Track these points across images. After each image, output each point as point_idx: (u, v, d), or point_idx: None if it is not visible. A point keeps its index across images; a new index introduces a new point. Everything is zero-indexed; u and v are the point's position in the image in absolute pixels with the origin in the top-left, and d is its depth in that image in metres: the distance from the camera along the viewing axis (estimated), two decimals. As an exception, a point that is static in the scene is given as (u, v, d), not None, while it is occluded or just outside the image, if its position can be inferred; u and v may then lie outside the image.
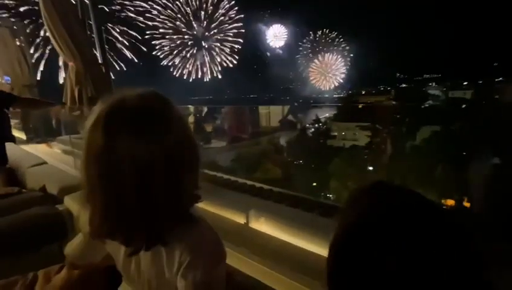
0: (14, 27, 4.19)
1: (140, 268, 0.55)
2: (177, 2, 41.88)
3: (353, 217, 0.38)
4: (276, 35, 48.91)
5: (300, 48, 49.52)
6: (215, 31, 44.68)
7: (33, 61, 4.36)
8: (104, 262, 0.68)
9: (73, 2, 2.99)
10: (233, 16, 43.85)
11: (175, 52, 43.33)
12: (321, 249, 1.24)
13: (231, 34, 44.74)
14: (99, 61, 3.22)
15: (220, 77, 46.23)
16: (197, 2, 43.00)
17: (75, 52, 2.84)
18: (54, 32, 2.77)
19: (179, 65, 44.12)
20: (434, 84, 45.87)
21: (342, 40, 48.38)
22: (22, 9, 28.91)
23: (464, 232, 0.33)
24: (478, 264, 0.32)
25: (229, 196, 2.14)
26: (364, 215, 0.37)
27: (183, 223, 0.50)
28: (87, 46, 2.96)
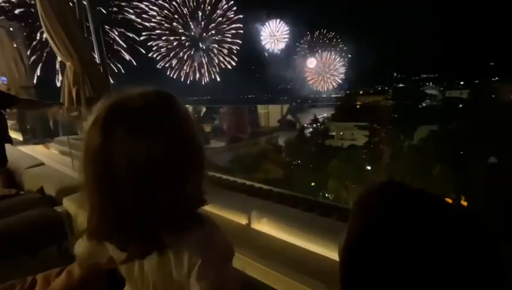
0: (11, 28, 4.15)
1: (144, 270, 0.53)
2: (174, 3, 41.74)
3: (365, 219, 0.37)
4: (273, 35, 48.58)
5: (298, 49, 49.60)
6: (213, 32, 44.58)
7: (30, 62, 4.31)
8: (109, 264, 0.65)
9: (70, 2, 2.96)
10: (231, 16, 43.75)
11: (172, 53, 43.19)
12: (322, 249, 1.24)
13: (229, 35, 44.60)
14: (97, 62, 3.20)
15: (218, 79, 46.16)
16: (194, 3, 42.86)
17: (72, 52, 2.82)
18: (51, 32, 2.74)
19: (176, 67, 43.96)
20: (431, 84, 46.13)
21: (339, 40, 48.53)
22: (17, 11, 28.71)
23: (483, 233, 0.32)
24: (498, 267, 0.31)
25: (229, 196, 2.13)
26: (378, 218, 0.36)
27: (190, 224, 0.49)
28: (84, 46, 2.94)
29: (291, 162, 20.84)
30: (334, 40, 48.83)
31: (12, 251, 1.05)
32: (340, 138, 24.00)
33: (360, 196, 0.41)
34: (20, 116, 4.20)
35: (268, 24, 48.06)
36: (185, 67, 44.50)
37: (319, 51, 48.33)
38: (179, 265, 0.49)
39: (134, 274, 0.55)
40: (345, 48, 48.17)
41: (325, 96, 49.67)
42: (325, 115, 29.65)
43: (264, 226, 1.45)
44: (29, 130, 4.26)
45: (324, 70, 48.61)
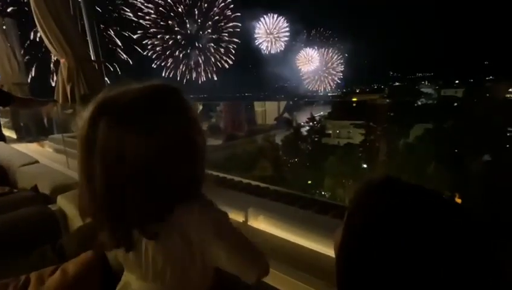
0: (4, 27, 4.08)
1: (141, 255, 0.55)
2: (169, 0, 41.30)
3: (363, 216, 0.36)
4: (270, 32, 48.12)
5: (295, 47, 49.49)
6: (209, 30, 44.22)
7: (25, 60, 4.26)
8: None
9: (65, -2, 2.92)
10: (228, 14, 43.43)
11: (167, 52, 42.78)
12: (319, 246, 1.24)
13: (226, 34, 44.27)
14: (92, 58, 3.16)
15: (215, 78, 45.88)
16: (190, 1, 42.47)
17: (66, 49, 2.78)
18: (45, 28, 2.70)
19: (171, 66, 43.58)
20: (427, 82, 46.47)
21: (336, 38, 48.59)
22: (9, 9, 28.14)
23: (481, 230, 0.32)
24: (496, 265, 0.30)
25: (226, 194, 2.13)
26: (376, 214, 0.35)
27: (188, 204, 0.52)
28: (79, 43, 2.90)
29: (288, 160, 20.89)
30: (331, 39, 48.91)
31: (5, 249, 1.03)
32: (337, 136, 24.10)
33: (357, 192, 0.40)
34: (13, 114, 4.14)
35: (264, 20, 47.20)
36: (180, 67, 44.21)
37: (316, 49, 48.31)
38: (188, 245, 0.53)
39: (131, 259, 0.57)
40: (341, 47, 48.28)
41: (321, 94, 49.80)
42: (321, 113, 29.73)
43: (261, 224, 1.45)
44: (23, 128, 4.20)
45: (321, 68, 48.65)
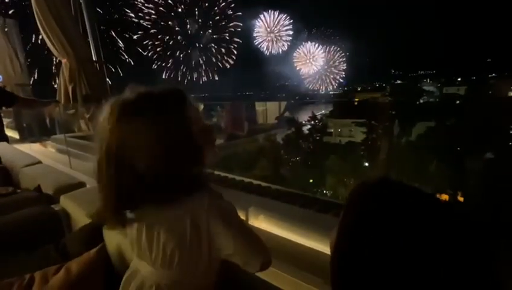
0: (5, 29, 4.10)
1: (153, 237, 0.59)
2: (169, 0, 41.17)
3: (357, 216, 0.37)
4: (270, 31, 47.66)
5: (295, 46, 49.26)
6: (210, 31, 44.05)
7: (28, 62, 4.27)
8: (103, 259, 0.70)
9: (66, -2, 2.93)
10: (229, 13, 43.25)
11: (168, 53, 42.68)
12: (319, 245, 1.25)
13: (227, 34, 44.05)
14: (94, 58, 3.18)
15: (216, 78, 45.76)
16: (191, 0, 42.30)
17: (68, 49, 2.80)
18: (46, 29, 2.72)
19: (172, 67, 43.46)
20: (428, 80, 46.23)
21: (337, 37, 48.37)
22: (11, 12, 28.13)
23: (475, 230, 0.32)
24: (490, 263, 0.31)
25: (227, 193, 2.12)
26: (370, 214, 0.35)
27: (197, 193, 0.57)
28: (80, 43, 2.92)
29: (289, 159, 20.87)
30: (332, 37, 48.69)
31: (9, 249, 1.05)
32: (338, 135, 24.04)
33: (351, 193, 0.40)
34: (16, 114, 4.17)
35: (264, 18, 46.25)
36: (181, 67, 44.12)
37: (317, 48, 48.03)
38: (197, 232, 0.56)
39: (142, 244, 0.61)
40: (342, 46, 48.05)
41: (322, 93, 49.67)
42: (323, 111, 29.65)
43: (262, 223, 1.46)
44: (25, 128, 4.23)
45: (323, 68, 48.40)
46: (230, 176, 3.86)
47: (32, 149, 3.26)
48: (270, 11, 45.92)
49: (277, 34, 47.87)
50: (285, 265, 1.13)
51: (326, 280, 0.97)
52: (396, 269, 0.31)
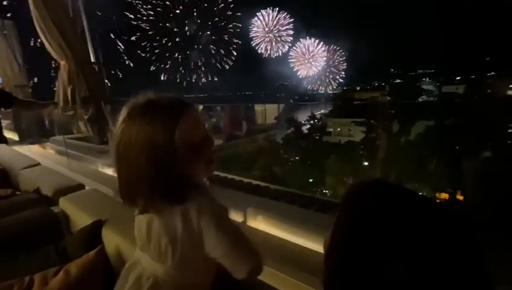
0: (4, 31, 4.10)
1: (151, 231, 0.63)
2: (168, 2, 40.96)
3: (356, 215, 0.37)
4: (269, 30, 47.29)
5: (295, 46, 49.15)
6: (209, 32, 43.87)
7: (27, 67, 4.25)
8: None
9: (64, 0, 2.93)
10: (229, 14, 43.07)
11: (167, 54, 42.48)
12: (318, 246, 1.25)
13: (226, 35, 43.81)
14: (92, 60, 3.18)
15: (216, 79, 45.60)
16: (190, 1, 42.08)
17: (66, 51, 2.81)
18: (45, 31, 2.73)
19: (171, 68, 43.24)
20: (427, 79, 46.26)
21: (336, 37, 48.33)
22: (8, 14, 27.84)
23: (466, 231, 0.33)
24: (480, 262, 0.32)
25: (226, 194, 2.14)
26: (369, 213, 0.36)
27: (191, 191, 0.59)
28: (79, 45, 2.92)
29: (288, 159, 20.86)
30: (331, 37, 48.63)
31: (9, 251, 1.05)
32: (338, 134, 24.04)
33: (349, 192, 0.41)
34: (15, 116, 4.17)
35: (262, 17, 45.12)
36: (180, 68, 43.94)
37: (316, 49, 47.92)
38: (189, 229, 0.58)
39: (151, 237, 0.64)
40: (342, 45, 47.99)
41: (322, 92, 49.67)
42: (322, 111, 29.64)
43: (260, 223, 1.46)
44: (24, 130, 4.23)
45: (323, 68, 48.28)
46: (229, 176, 3.87)
47: (31, 151, 3.26)
48: (268, 9, 45.51)
49: (276, 34, 47.65)
50: (284, 266, 1.13)
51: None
52: (394, 267, 0.32)
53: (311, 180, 17.96)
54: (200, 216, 0.58)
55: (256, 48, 47.65)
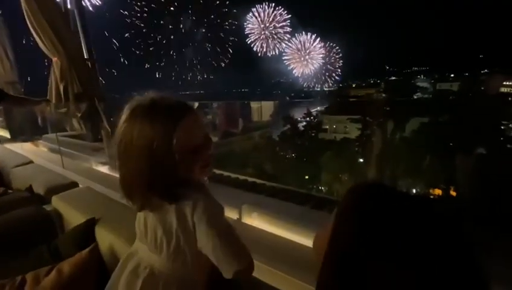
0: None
1: (147, 223, 0.66)
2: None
3: (351, 222, 0.37)
4: (265, 26, 46.82)
5: (290, 44, 48.90)
6: (204, 30, 43.40)
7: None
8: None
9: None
10: (225, 11, 42.66)
11: (162, 52, 42.02)
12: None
13: (222, 31, 43.40)
14: (85, 56, 3.13)
15: (211, 77, 45.27)
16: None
17: (58, 47, 2.75)
18: (36, 27, 2.67)
19: (166, 65, 42.81)
20: (422, 76, 46.59)
21: (332, 35, 48.25)
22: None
23: (462, 233, 0.34)
24: (480, 268, 0.32)
25: (221, 191, 2.13)
26: (364, 221, 0.36)
27: (187, 189, 0.61)
28: (71, 41, 2.87)
29: (285, 156, 20.91)
30: (327, 34, 48.53)
31: (1, 250, 1.04)
32: (334, 131, 24.13)
33: (350, 194, 0.41)
34: (7, 113, 4.10)
35: (257, 13, 44.39)
36: (175, 67, 43.54)
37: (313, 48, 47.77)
38: (183, 222, 0.61)
39: (141, 228, 0.68)
40: (338, 42, 47.99)
41: (318, 89, 49.74)
42: (318, 108, 29.70)
43: (255, 221, 1.46)
44: (16, 127, 4.16)
45: (320, 65, 48.20)
46: (225, 173, 3.86)
47: (24, 148, 3.21)
48: (264, 4, 45.00)
49: (272, 32, 47.32)
50: (279, 262, 1.14)
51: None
52: (394, 269, 0.32)
53: (307, 177, 18.05)
54: (194, 212, 0.60)
55: (252, 45, 47.29)
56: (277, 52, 48.19)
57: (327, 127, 24.96)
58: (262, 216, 1.46)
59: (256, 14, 45.87)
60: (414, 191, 15.43)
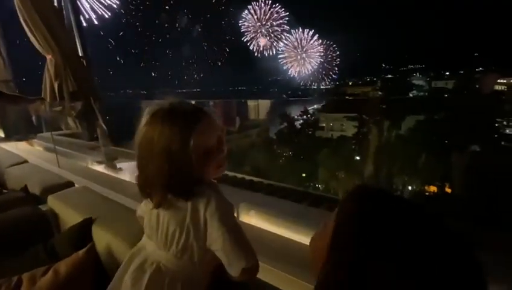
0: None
1: (159, 219, 0.68)
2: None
3: (352, 226, 0.38)
4: (262, 24, 46.66)
5: (286, 41, 48.77)
6: (200, 29, 43.05)
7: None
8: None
9: (49, -8, 2.83)
10: (221, 8, 42.38)
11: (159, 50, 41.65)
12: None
13: (219, 29, 43.10)
14: (80, 54, 3.10)
15: (209, 75, 45.01)
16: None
17: (52, 45, 2.72)
18: (30, 24, 2.63)
19: (162, 64, 42.46)
20: (418, 74, 46.84)
21: (328, 33, 48.21)
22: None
23: (462, 236, 0.34)
24: (479, 270, 0.33)
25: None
26: (366, 225, 0.37)
27: (201, 187, 0.65)
28: (66, 39, 2.84)
29: (282, 154, 20.95)
30: (324, 32, 48.49)
31: (-4, 251, 1.03)
32: (330, 129, 24.22)
33: (346, 201, 0.42)
34: (1, 112, 4.04)
35: (254, 10, 43.94)
36: (172, 65, 43.22)
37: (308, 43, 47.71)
38: (195, 218, 0.64)
39: (152, 223, 0.70)
40: (335, 40, 48.00)
41: (315, 87, 49.82)
42: (315, 106, 29.76)
43: (252, 219, 1.46)
44: (11, 126, 4.10)
45: (318, 64, 48.17)
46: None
47: (18, 148, 3.17)
48: (260, 1, 44.59)
49: (269, 30, 47.07)
50: (276, 260, 1.14)
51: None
52: (394, 273, 0.33)
53: (304, 175, 18.11)
54: (207, 208, 0.63)
55: (248, 43, 47.03)
56: (274, 52, 48.05)
57: (324, 125, 25.03)
58: (260, 214, 1.46)
59: (252, 11, 45.69)
60: (410, 188, 15.60)
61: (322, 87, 49.32)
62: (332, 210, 0.44)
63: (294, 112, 25.94)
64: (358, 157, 18.38)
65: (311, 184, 17.40)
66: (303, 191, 3.71)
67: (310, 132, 23.69)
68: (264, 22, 46.33)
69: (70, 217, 1.17)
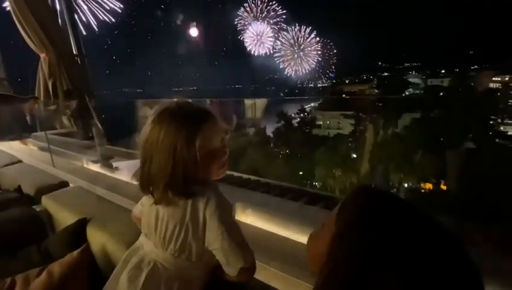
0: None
1: (159, 217, 0.69)
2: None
3: (349, 231, 0.38)
4: (259, 18, 46.11)
5: (283, 40, 48.62)
6: (196, 28, 42.62)
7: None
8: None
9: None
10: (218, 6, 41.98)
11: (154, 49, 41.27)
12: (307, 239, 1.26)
13: (216, 27, 42.76)
14: (74, 52, 3.06)
15: (206, 73, 44.76)
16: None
17: (46, 43, 2.68)
18: (23, 22, 2.59)
19: (157, 64, 42.12)
20: (414, 72, 47.07)
21: (325, 32, 48.18)
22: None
23: (462, 243, 0.34)
24: (473, 269, 0.33)
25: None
26: (365, 229, 0.37)
27: (202, 186, 0.65)
28: (59, 37, 2.80)
29: (279, 152, 20.98)
30: (320, 31, 48.44)
31: (-11, 252, 1.01)
32: (327, 127, 24.29)
33: (346, 203, 0.42)
34: (-7, 111, 3.99)
35: (250, 7, 43.58)
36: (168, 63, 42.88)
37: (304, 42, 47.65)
38: (195, 217, 0.65)
39: (151, 220, 0.70)
40: (332, 39, 47.98)
41: (312, 85, 49.87)
42: (312, 104, 29.80)
43: (249, 217, 1.46)
44: (4, 125, 4.05)
45: (316, 63, 48.11)
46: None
47: (12, 147, 3.14)
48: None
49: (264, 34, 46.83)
50: (273, 259, 1.14)
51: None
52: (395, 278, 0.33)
53: (301, 172, 18.16)
54: (206, 207, 0.64)
55: (245, 42, 46.84)
56: (271, 50, 47.88)
57: (321, 123, 25.10)
58: (256, 213, 1.46)
59: (249, 9, 45.56)
60: (406, 185, 15.72)
61: (319, 85, 49.37)
62: (329, 208, 0.44)
63: (292, 110, 25.95)
64: (355, 155, 18.47)
65: (308, 182, 17.46)
66: (299, 188, 3.71)
67: (307, 130, 23.74)
68: (260, 21, 46.21)
69: (64, 218, 1.16)
